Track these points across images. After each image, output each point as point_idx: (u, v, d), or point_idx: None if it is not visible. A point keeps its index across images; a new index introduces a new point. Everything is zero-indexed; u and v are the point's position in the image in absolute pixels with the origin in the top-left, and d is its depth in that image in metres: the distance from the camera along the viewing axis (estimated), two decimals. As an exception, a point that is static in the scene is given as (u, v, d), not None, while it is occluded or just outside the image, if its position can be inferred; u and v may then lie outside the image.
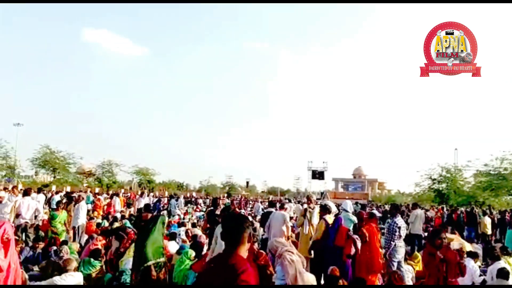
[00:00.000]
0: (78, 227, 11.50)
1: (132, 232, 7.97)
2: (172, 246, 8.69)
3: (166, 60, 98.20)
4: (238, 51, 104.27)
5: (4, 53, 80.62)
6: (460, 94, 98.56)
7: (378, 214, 23.65)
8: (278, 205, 13.54)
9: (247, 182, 71.76)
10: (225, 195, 50.45)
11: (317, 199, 28.73)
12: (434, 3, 29.62)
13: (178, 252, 7.90)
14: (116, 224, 13.02)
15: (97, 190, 35.20)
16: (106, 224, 13.33)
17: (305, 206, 9.09)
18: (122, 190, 37.29)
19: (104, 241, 8.79)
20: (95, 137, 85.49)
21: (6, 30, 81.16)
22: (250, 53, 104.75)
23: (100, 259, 7.41)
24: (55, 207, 17.11)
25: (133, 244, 7.38)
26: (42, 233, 10.36)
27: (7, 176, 34.51)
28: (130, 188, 46.38)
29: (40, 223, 12.53)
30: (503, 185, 20.86)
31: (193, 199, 34.02)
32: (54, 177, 35.21)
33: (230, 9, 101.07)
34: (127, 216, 15.82)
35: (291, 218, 17.89)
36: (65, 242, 8.87)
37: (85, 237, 11.07)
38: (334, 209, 8.33)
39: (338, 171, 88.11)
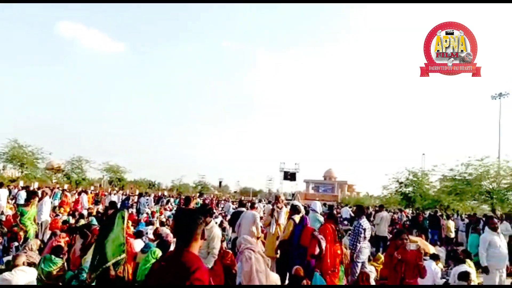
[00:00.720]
0: (42, 223, 11.26)
1: (97, 229, 7.86)
2: (138, 244, 8.60)
3: (142, 57, 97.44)
4: (215, 50, 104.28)
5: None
6: (430, 99, 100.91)
7: (345, 216, 24.14)
8: (248, 205, 13.58)
9: (220, 182, 71.66)
10: (198, 194, 50.13)
11: (287, 199, 28.96)
12: (434, 3, 30.03)
13: (143, 250, 7.82)
14: (82, 221, 12.81)
15: (66, 186, 34.48)
16: (72, 221, 13.10)
17: (274, 206, 9.16)
18: (92, 187, 36.68)
19: (67, 238, 8.64)
20: (66, 133, 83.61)
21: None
22: (228, 52, 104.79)
23: (61, 256, 7.28)
24: (22, 202, 16.80)
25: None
26: (5, 229, 10.10)
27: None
28: (100, 186, 45.62)
29: (4, 218, 12.23)
30: (467, 190, 21.42)
31: (164, 198, 33.70)
32: (22, 172, 34.25)
33: (209, 8, 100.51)
34: (94, 213, 15.60)
35: (261, 218, 17.98)
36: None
37: (48, 233, 10.85)
38: (302, 210, 8.41)
39: (310, 173, 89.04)
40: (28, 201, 11.19)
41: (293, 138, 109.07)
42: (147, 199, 23.50)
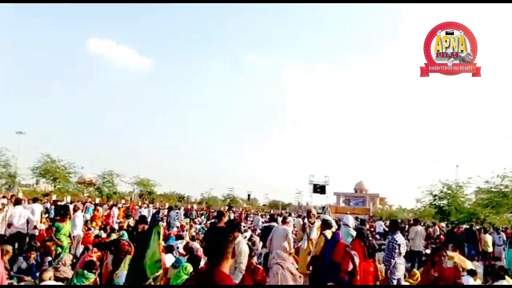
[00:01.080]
0: (74, 238, 11.37)
1: (126, 243, 7.86)
2: (169, 259, 8.55)
3: (170, 72, 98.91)
4: (242, 64, 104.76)
5: (8, 60, 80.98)
6: (464, 111, 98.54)
7: (379, 230, 23.64)
8: (280, 219, 13.42)
9: (249, 195, 71.49)
10: (226, 207, 50.20)
11: (318, 213, 28.56)
12: (434, 3, 29.91)
13: (174, 265, 7.76)
14: (114, 236, 12.88)
15: (97, 200, 35.08)
16: (104, 235, 13.20)
17: (305, 220, 8.99)
18: (123, 201, 37.17)
19: (99, 253, 8.66)
20: (97, 147, 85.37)
21: (11, 38, 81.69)
22: (254, 66, 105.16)
23: (94, 271, 7.28)
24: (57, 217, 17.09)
25: (128, 257, 7.30)
26: (38, 244, 10.24)
27: (8, 185, 34.45)
28: (131, 199, 46.23)
29: (36, 233, 12.42)
30: (504, 202, 20.76)
31: (193, 212, 33.79)
32: (55, 186, 35.11)
33: (235, 22, 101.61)
34: (125, 227, 15.70)
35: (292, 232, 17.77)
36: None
37: (81, 248, 10.94)
38: (334, 224, 8.23)
39: (340, 186, 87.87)
40: (57, 215, 11.35)
41: (322, 150, 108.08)
42: (177, 213, 23.55)
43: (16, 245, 10.33)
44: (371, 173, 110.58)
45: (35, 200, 15.98)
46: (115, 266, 7.42)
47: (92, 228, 15.30)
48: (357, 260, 7.15)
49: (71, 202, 22.51)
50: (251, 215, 40.35)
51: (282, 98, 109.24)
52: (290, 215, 27.55)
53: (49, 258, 9.55)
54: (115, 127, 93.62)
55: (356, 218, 27.09)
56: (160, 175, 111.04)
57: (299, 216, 26.63)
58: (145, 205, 30.57)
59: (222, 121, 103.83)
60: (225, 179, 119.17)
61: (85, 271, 7.07)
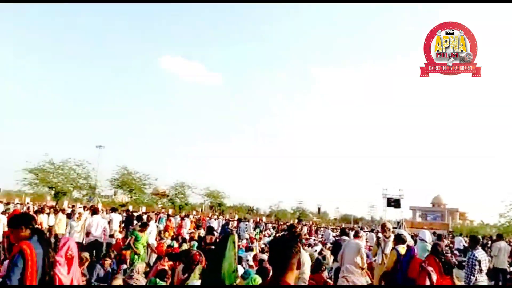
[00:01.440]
0: (147, 246, 11.67)
1: (198, 254, 7.89)
2: (238, 271, 8.47)
3: (239, 86, 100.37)
4: (306, 76, 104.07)
5: (87, 79, 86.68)
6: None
7: (458, 246, 22.23)
8: (351, 233, 12.99)
9: (319, 208, 70.42)
10: (296, 221, 49.74)
11: (393, 228, 27.40)
12: (434, 3, 29.33)
13: (243, 277, 7.66)
14: (185, 246, 13.12)
15: (170, 211, 36.18)
16: (176, 245, 13.48)
17: (379, 235, 8.58)
18: (194, 212, 38.06)
19: (171, 262, 8.80)
20: (170, 160, 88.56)
21: (90, 57, 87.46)
22: (319, 78, 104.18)
23: (166, 279, 7.39)
24: (129, 226, 17.77)
25: (198, 266, 7.33)
26: (114, 252, 10.63)
27: (89, 195, 36.62)
28: (201, 211, 47.26)
29: (113, 241, 12.94)
30: None
31: (262, 224, 33.81)
32: (131, 197, 36.76)
33: (298, 35, 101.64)
34: (196, 237, 15.95)
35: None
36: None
37: (154, 257, 11.20)
38: (408, 239, 7.75)
39: (415, 200, 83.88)
40: (129, 225, 11.73)
41: (396, 163, 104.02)
42: (246, 225, 23.66)
43: (94, 253, 10.82)
44: (449, 187, 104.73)
45: (113, 210, 16.73)
46: (186, 275, 7.48)
47: (165, 238, 15.70)
48: (434, 277, 6.72)
49: (145, 213, 23.34)
50: (322, 228, 39.62)
51: (351, 109, 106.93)
52: (362, 229, 26.67)
53: (124, 266, 9.85)
54: (186, 140, 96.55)
55: (434, 234, 25.67)
56: (229, 187, 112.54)
57: (372, 230, 25.76)
58: (215, 217, 31.02)
59: (290, 134, 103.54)
60: (294, 191, 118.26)
61: (158, 279, 7.19)
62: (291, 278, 2.43)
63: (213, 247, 10.11)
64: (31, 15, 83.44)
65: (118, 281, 6.50)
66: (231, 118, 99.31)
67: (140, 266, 8.63)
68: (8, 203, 26.54)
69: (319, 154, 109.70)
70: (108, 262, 8.35)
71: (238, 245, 14.64)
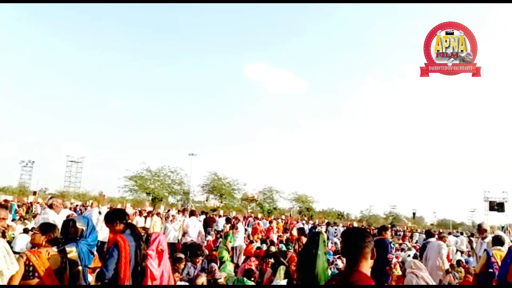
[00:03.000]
0: (236, 248, 12.00)
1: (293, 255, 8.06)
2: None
3: (324, 91, 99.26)
4: (396, 77, 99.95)
5: (176, 88, 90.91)
6: None
7: None
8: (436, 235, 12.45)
9: (414, 213, 67.25)
10: (389, 226, 48.02)
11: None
12: (434, 3, 29.33)
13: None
14: (273, 248, 13.31)
15: (259, 215, 36.77)
16: (264, 247, 13.71)
17: (472, 238, 8.08)
18: (283, 217, 38.32)
19: (257, 262, 8.99)
20: (257, 165, 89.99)
21: (179, 65, 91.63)
22: (412, 79, 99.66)
23: (252, 279, 7.57)
24: (219, 229, 18.46)
25: (281, 267, 7.44)
26: (206, 251, 11.09)
27: (182, 201, 38.48)
28: (290, 215, 47.42)
29: (205, 243, 13.47)
30: None
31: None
32: (221, 202, 37.98)
33: (389, 34, 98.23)
34: (284, 241, 16.10)
35: (462, 252, 16.16)
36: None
37: (242, 258, 11.51)
38: (507, 241, 7.17)
39: (522, 203, 76.82)
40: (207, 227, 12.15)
41: (499, 163, 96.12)
42: (336, 229, 23.36)
43: (188, 254, 11.37)
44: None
45: (203, 213, 17.48)
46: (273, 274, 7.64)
47: (254, 241, 16.03)
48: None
49: (234, 217, 24.02)
50: (416, 234, 37.80)
51: (447, 109, 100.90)
52: (462, 234, 25.08)
53: (215, 266, 10.22)
54: (273, 147, 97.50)
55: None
56: (319, 191, 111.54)
57: (471, 235, 24.09)
58: (304, 221, 30.97)
59: (382, 137, 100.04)
60: (387, 195, 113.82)
61: (245, 278, 7.40)
62: (365, 268, 2.42)
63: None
64: (116, 21, 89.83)
65: (202, 278, 6.80)
66: (317, 122, 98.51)
67: (228, 266, 8.96)
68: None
69: (413, 157, 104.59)
70: (199, 261, 8.70)
71: (327, 248, 14.57)
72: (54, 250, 4.07)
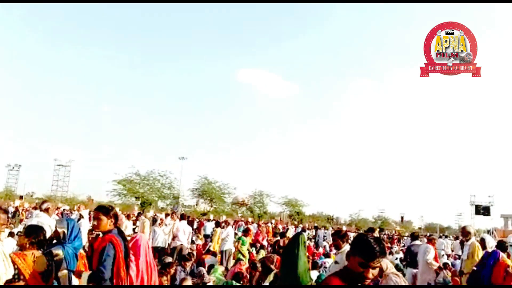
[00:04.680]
0: (226, 252, 11.95)
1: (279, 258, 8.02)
2: (313, 274, 8.44)
3: (315, 96, 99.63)
4: (388, 80, 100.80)
5: (167, 92, 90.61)
6: None
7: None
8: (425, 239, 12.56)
9: (402, 217, 67.81)
10: (378, 229, 48.23)
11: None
12: (434, 3, 29.84)
13: (317, 281, 7.64)
14: (262, 252, 13.32)
15: (249, 220, 36.71)
16: (254, 251, 13.70)
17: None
18: (273, 221, 38.29)
19: (247, 265, 8.97)
20: (248, 169, 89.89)
21: (170, 69, 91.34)
22: (400, 82, 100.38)
23: (241, 282, 7.55)
24: (207, 233, 18.41)
25: (274, 272, 7.42)
26: (194, 255, 11.02)
27: (172, 205, 38.30)
28: (280, 219, 47.39)
29: (194, 247, 13.40)
30: None
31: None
32: (211, 206, 37.88)
33: (379, 38, 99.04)
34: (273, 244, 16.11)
35: (448, 255, 16.28)
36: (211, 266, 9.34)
37: (232, 261, 11.47)
38: (492, 244, 7.25)
39: (508, 207, 77.67)
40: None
41: (485, 167, 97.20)
42: (325, 232, 23.42)
43: (176, 258, 11.31)
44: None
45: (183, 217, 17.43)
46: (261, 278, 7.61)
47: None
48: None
49: (224, 221, 23.97)
50: (404, 238, 38.02)
51: (432, 112, 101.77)
52: (446, 237, 25.29)
53: (203, 270, 10.18)
54: (263, 150, 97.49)
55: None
56: (308, 195, 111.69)
57: (456, 238, 24.38)
58: (294, 225, 30.98)
59: (371, 141, 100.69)
60: (375, 199, 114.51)
61: (233, 281, 7.38)
62: None
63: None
64: (106, 24, 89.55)
65: (188, 282, 6.81)
66: (308, 125, 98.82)
67: (219, 269, 8.93)
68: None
69: (400, 161, 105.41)
70: (189, 265, 8.67)
71: (315, 253, 14.59)
72: (39, 252, 4.03)
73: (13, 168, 60.63)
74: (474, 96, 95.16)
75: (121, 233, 3.99)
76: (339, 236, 5.91)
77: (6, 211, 4.16)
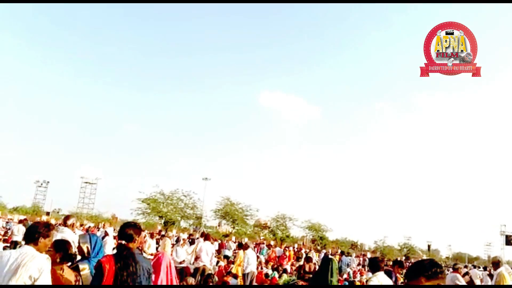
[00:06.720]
0: (248, 274, 11.83)
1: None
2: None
3: (337, 119, 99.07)
4: (409, 104, 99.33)
5: (189, 114, 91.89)
6: None
7: None
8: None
9: (429, 246, 65.83)
10: (404, 258, 47.02)
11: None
12: (434, 3, 29.88)
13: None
14: (285, 276, 13.17)
15: (272, 243, 36.36)
16: (276, 275, 13.56)
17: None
18: (295, 245, 37.83)
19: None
20: (271, 192, 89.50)
21: (193, 93, 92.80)
22: (422, 106, 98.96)
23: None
24: (227, 254, 18.31)
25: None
26: (216, 278, 10.96)
27: (195, 225, 38.26)
28: (303, 244, 46.76)
29: (216, 268, 13.34)
30: None
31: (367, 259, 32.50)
32: (233, 227, 37.66)
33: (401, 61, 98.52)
34: (295, 268, 15.90)
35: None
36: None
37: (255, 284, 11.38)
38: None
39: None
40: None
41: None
42: (349, 259, 23.04)
43: (198, 278, 11.26)
44: None
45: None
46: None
47: (265, 269, 15.85)
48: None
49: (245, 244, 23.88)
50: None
51: (460, 138, 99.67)
52: (475, 267, 24.49)
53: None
54: (287, 172, 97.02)
55: None
56: (332, 220, 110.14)
57: (485, 269, 23.57)
58: (316, 250, 30.57)
59: (398, 166, 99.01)
60: (402, 227, 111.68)
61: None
62: None
63: (311, 275, 10.00)
64: (129, 45, 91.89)
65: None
66: (331, 149, 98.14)
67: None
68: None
69: (427, 187, 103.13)
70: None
71: (339, 279, 14.34)
72: (67, 267, 4.09)
73: (41, 184, 62.06)
74: (507, 124, 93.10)
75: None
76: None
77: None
